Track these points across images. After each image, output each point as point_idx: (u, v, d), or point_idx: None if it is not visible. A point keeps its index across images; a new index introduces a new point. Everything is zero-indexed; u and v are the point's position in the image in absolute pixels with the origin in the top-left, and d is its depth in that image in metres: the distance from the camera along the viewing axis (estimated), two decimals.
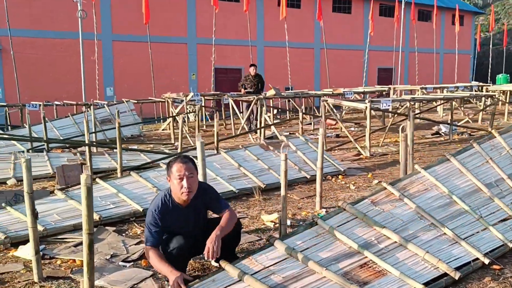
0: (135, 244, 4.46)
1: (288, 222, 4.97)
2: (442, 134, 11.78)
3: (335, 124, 13.39)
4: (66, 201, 5.32)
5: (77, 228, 4.79)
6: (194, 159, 3.48)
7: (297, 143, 7.83)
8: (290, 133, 10.88)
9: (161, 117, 15.69)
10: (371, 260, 3.51)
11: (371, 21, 23.35)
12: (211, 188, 3.64)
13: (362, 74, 25.11)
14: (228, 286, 3.17)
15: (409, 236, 3.81)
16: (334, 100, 9.87)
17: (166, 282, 3.53)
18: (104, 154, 8.72)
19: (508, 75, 28.70)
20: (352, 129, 13.35)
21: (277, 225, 4.78)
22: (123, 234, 4.81)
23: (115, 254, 4.20)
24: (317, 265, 3.37)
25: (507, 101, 14.01)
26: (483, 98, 13.51)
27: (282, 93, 12.92)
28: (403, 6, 24.28)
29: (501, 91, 14.70)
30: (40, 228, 4.38)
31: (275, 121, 12.05)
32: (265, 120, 8.78)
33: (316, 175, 7.04)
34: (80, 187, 3.03)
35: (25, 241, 4.26)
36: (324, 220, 3.90)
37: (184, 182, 3.25)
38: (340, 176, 7.28)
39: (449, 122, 11.03)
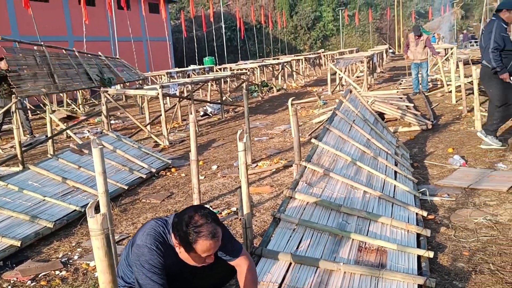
0: None
1: None
2: (210, 114, 12.10)
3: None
4: None
5: None
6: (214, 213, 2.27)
7: (110, 141, 6.66)
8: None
9: None
10: (361, 241, 3.26)
11: (84, 9, 21.49)
12: (223, 227, 2.37)
13: None
14: None
15: (362, 207, 3.72)
16: (117, 90, 8.77)
17: None
18: None
19: (213, 57, 31.66)
20: (113, 122, 12.30)
21: None
22: None
23: None
24: (330, 262, 2.92)
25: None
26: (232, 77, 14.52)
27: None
28: None
29: (251, 68, 16.19)
30: None
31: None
32: (51, 120, 7.02)
33: (149, 172, 6.24)
34: None
35: None
36: (282, 213, 3.42)
37: (208, 260, 2.22)
38: (173, 169, 6.58)
39: (219, 101, 11.38)
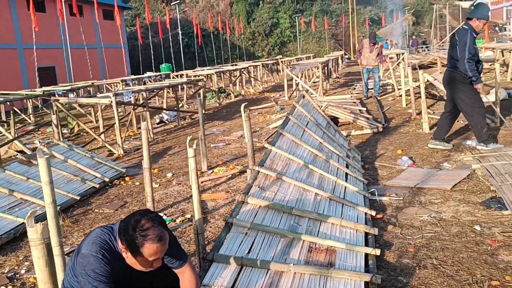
0: None
1: None
2: (166, 121, 12.00)
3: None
4: None
5: None
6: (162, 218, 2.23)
7: (61, 151, 6.50)
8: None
9: None
10: (311, 242, 3.32)
11: (34, 16, 20.76)
12: (170, 232, 2.30)
13: (20, 75, 22.44)
14: None
15: (313, 209, 3.79)
16: (69, 99, 8.57)
17: None
18: None
19: (170, 64, 31.40)
20: (65, 131, 11.99)
21: None
22: None
23: None
24: (280, 264, 2.96)
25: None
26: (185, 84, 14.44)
27: None
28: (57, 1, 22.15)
29: (208, 75, 16.13)
30: None
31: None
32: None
33: (103, 182, 6.12)
34: None
35: None
36: (234, 217, 3.45)
37: (155, 264, 2.19)
38: (127, 178, 6.49)
39: (175, 108, 11.31)
